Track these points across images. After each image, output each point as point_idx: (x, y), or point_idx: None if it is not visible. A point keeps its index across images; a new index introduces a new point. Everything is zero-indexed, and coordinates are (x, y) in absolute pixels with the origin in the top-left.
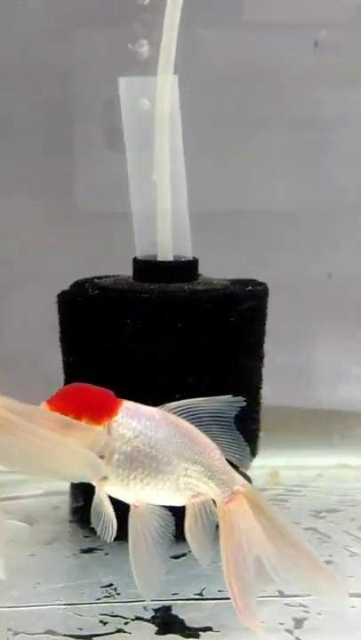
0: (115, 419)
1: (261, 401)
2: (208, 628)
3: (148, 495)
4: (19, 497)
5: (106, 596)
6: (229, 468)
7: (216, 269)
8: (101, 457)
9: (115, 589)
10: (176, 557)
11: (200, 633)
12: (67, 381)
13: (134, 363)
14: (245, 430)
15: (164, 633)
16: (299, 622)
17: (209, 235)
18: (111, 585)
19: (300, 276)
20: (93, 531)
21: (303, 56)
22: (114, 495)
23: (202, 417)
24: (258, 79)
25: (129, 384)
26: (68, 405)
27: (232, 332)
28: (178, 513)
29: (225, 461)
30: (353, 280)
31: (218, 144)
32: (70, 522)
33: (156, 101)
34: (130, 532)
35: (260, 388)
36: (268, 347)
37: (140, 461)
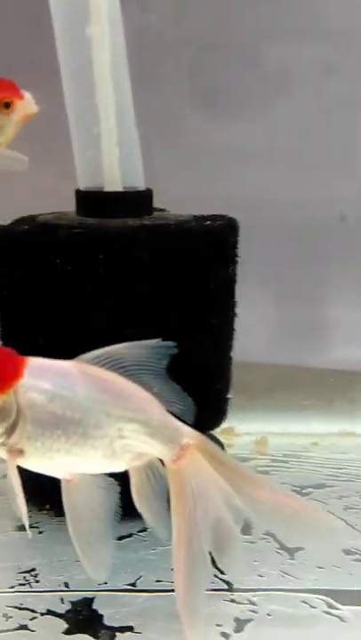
0: (20, 382)
1: (231, 356)
2: (128, 628)
3: (78, 466)
4: None
5: (21, 584)
6: (173, 419)
7: (208, 209)
8: (11, 429)
9: (35, 576)
10: (118, 539)
11: (117, 634)
12: (1, 331)
13: (66, 313)
14: (209, 389)
15: (72, 632)
16: (240, 625)
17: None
18: (33, 570)
19: (310, 218)
20: (36, 504)
21: None
22: (38, 470)
23: (128, 366)
24: None
25: (60, 338)
26: None
27: (185, 276)
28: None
29: (166, 413)
30: None
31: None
32: None
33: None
34: (66, 511)
35: (228, 342)
36: (266, 298)
37: (61, 428)
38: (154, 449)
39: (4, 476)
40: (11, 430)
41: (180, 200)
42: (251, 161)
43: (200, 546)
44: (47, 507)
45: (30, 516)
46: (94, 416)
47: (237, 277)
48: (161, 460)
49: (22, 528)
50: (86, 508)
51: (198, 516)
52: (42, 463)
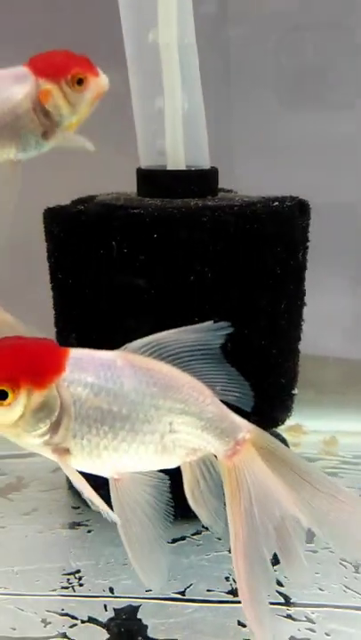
0: (62, 376)
1: (299, 348)
2: None
3: (127, 464)
4: (17, 455)
5: (64, 587)
6: (228, 411)
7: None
8: (55, 427)
9: (79, 579)
10: (169, 542)
11: None
12: (56, 318)
13: (123, 298)
14: (272, 383)
15: None
16: None
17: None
18: (77, 572)
19: None
20: (86, 501)
21: None
22: (84, 470)
23: (179, 354)
24: None
25: (116, 325)
26: None
27: (250, 261)
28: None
29: (221, 404)
30: None
31: None
32: (69, 489)
33: None
34: (116, 513)
35: (295, 333)
36: (342, 289)
37: (108, 424)
38: (207, 444)
39: (54, 471)
40: (54, 428)
41: (259, 187)
42: (331, 150)
43: (259, 549)
44: None
45: (80, 513)
46: (143, 410)
47: (311, 266)
48: (216, 456)
49: (72, 526)
50: (137, 509)
51: (257, 517)
52: (88, 462)
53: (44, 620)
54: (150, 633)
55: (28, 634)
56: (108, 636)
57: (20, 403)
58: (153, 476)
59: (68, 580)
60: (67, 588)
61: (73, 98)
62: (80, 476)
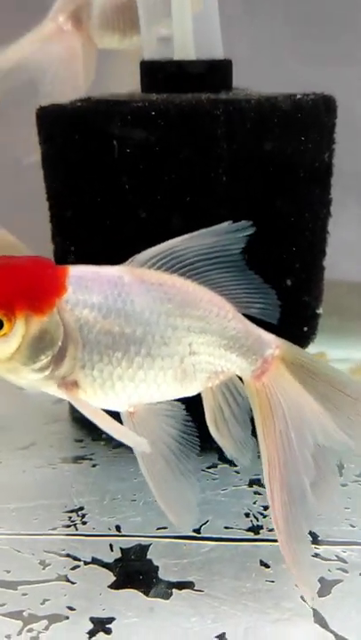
0: (64, 298)
1: (323, 265)
2: (187, 584)
3: (144, 394)
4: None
5: (65, 525)
6: (252, 326)
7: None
8: (59, 357)
9: (82, 516)
10: None
11: (173, 591)
12: (52, 231)
13: (126, 202)
14: (295, 300)
15: (119, 587)
16: (326, 587)
17: None
18: (81, 509)
19: None
20: (91, 433)
21: None
22: (95, 404)
23: (194, 263)
24: None
25: (119, 233)
26: None
27: (268, 162)
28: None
29: (244, 319)
30: None
31: None
32: (72, 421)
33: None
34: (136, 452)
35: (319, 246)
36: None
37: (121, 350)
38: (232, 364)
39: (55, 402)
40: (58, 359)
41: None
42: None
43: (298, 478)
44: (103, 436)
45: (83, 447)
46: (159, 331)
47: (336, 192)
48: (240, 378)
49: (75, 460)
50: (159, 443)
51: (294, 442)
52: (100, 395)
53: (42, 562)
54: (161, 574)
55: (25, 577)
56: (114, 578)
57: (17, 333)
58: (169, 405)
59: (70, 517)
60: (68, 526)
61: None
62: (98, 409)
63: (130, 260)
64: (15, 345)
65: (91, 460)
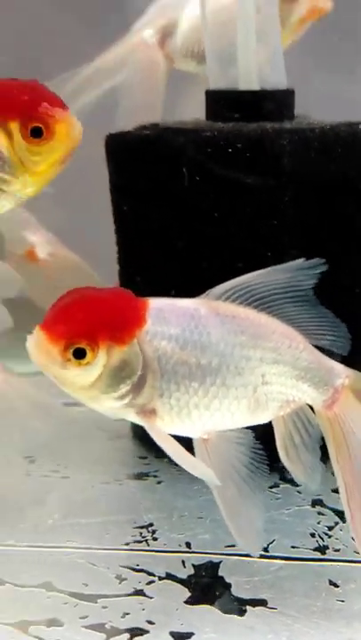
0: (144, 329)
1: None
2: (260, 602)
3: (218, 422)
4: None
5: (137, 541)
6: (323, 357)
7: None
8: (138, 386)
9: (152, 532)
10: None
11: (247, 608)
12: (119, 257)
13: (196, 230)
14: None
15: (196, 602)
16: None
17: None
18: (150, 526)
19: None
20: (154, 450)
21: None
22: (172, 432)
23: (267, 297)
24: None
25: (186, 260)
26: (75, 328)
27: (336, 189)
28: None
29: (315, 351)
30: None
31: None
32: (134, 438)
33: None
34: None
35: None
36: None
37: (197, 380)
38: (303, 394)
39: (117, 419)
40: (137, 388)
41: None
42: None
43: None
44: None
45: (147, 464)
46: (233, 362)
47: None
48: (310, 407)
49: (140, 477)
50: (231, 470)
51: None
52: (177, 423)
53: (118, 576)
54: (235, 592)
55: (102, 590)
56: (189, 594)
57: (99, 362)
58: (239, 432)
59: (141, 533)
60: (140, 542)
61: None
62: (172, 439)
63: (205, 293)
64: (97, 374)
65: (155, 477)
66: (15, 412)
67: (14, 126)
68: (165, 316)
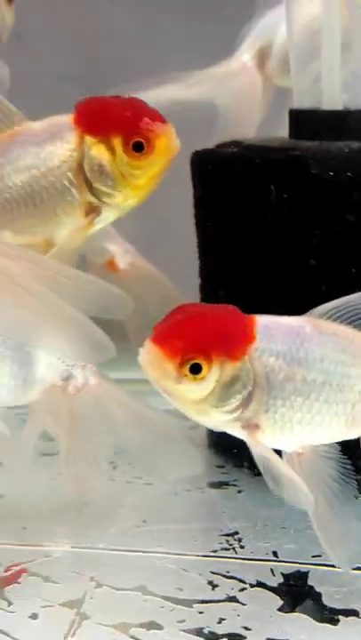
0: (254, 345)
1: None
2: (352, 612)
3: (316, 437)
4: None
5: (225, 549)
6: None
7: None
8: (247, 402)
9: (239, 540)
10: None
11: (340, 617)
12: (201, 271)
13: (283, 246)
14: None
15: (289, 611)
16: None
17: None
18: (236, 534)
19: None
20: (232, 459)
21: None
22: (271, 446)
23: None
24: None
25: (269, 277)
26: (190, 344)
27: None
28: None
29: None
30: None
31: None
32: (209, 447)
33: None
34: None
35: None
36: None
37: (303, 396)
38: None
39: (192, 428)
40: (246, 403)
41: None
42: None
43: None
44: (245, 464)
45: (225, 473)
46: (335, 379)
47: None
48: None
49: (220, 486)
50: (323, 485)
51: None
52: (278, 437)
53: (210, 583)
54: (326, 601)
55: (197, 596)
56: (281, 602)
57: (212, 377)
58: (328, 447)
59: (228, 541)
60: (227, 549)
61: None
62: (275, 454)
63: (309, 311)
64: (209, 388)
65: (235, 485)
66: (108, 417)
67: (117, 142)
68: (272, 332)
